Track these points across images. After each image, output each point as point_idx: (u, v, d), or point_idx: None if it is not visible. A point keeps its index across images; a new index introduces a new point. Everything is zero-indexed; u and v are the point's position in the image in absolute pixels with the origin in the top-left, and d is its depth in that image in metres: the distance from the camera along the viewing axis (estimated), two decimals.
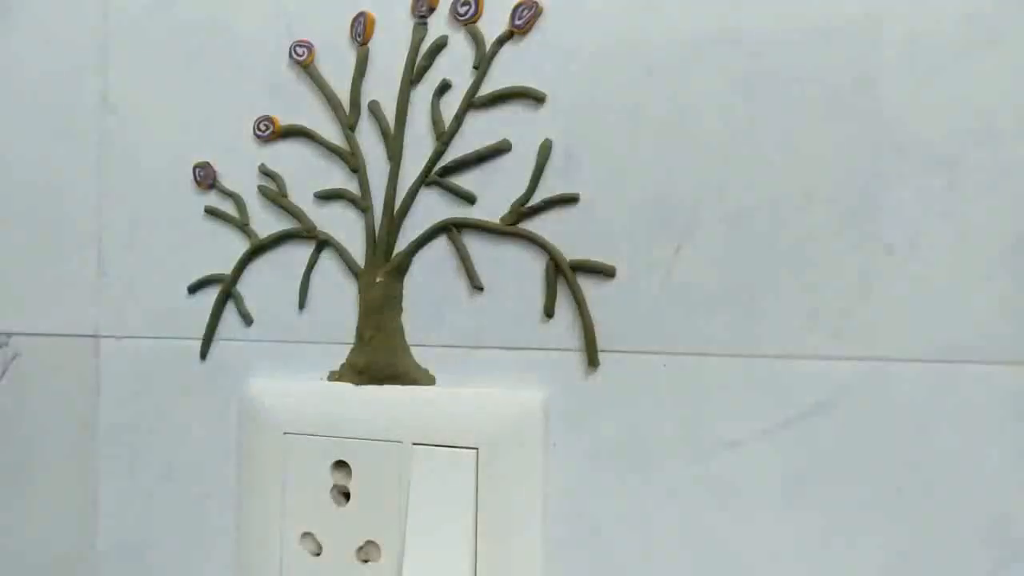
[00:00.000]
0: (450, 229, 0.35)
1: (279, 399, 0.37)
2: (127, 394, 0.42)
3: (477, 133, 0.35)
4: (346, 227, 0.37)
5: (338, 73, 0.37)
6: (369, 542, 0.35)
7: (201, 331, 0.40)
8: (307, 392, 0.37)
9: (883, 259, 0.29)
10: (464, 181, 0.35)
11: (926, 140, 0.29)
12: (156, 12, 0.42)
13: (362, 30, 0.37)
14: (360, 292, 0.37)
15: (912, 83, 0.29)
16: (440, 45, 0.35)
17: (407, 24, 0.36)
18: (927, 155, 0.29)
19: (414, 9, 0.36)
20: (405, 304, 0.36)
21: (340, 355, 0.37)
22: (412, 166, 0.36)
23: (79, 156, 0.43)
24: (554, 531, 0.33)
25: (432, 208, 0.36)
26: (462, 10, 0.35)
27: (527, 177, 0.34)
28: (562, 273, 0.33)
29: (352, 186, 0.37)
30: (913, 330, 0.29)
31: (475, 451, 0.33)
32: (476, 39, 0.35)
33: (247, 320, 0.39)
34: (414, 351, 0.36)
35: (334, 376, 0.37)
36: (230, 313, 0.40)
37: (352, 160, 0.37)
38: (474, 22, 0.35)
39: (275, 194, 0.39)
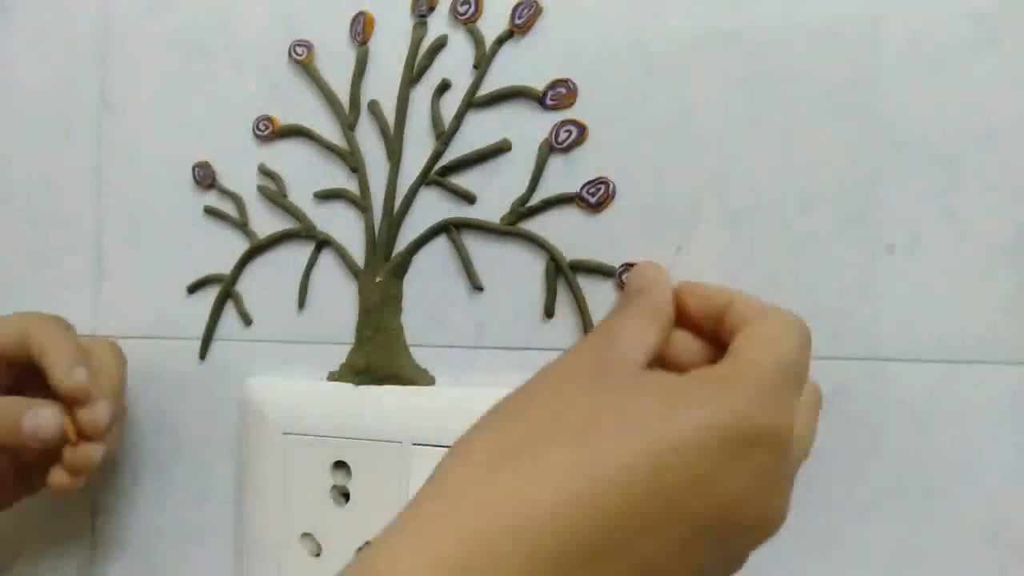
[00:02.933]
0: (450, 229, 0.35)
1: (279, 399, 0.37)
2: (126, 394, 0.42)
3: (477, 133, 0.35)
4: (346, 227, 0.37)
5: (338, 72, 0.37)
6: (369, 543, 0.35)
7: (200, 331, 0.40)
8: (307, 392, 0.37)
9: (883, 259, 0.29)
10: (464, 181, 0.35)
11: (926, 139, 0.29)
12: (155, 11, 0.42)
13: (362, 29, 0.37)
14: (360, 292, 0.37)
15: (912, 82, 0.29)
16: (440, 44, 0.35)
17: (407, 23, 0.36)
18: (927, 154, 0.29)
19: (414, 8, 0.36)
20: (405, 304, 0.36)
21: (340, 355, 0.37)
22: (412, 166, 0.36)
23: (78, 156, 0.43)
24: None
25: (432, 208, 0.35)
26: (462, 9, 0.35)
27: (527, 177, 0.34)
28: (562, 273, 0.33)
29: (352, 186, 0.37)
30: (913, 330, 0.29)
31: None
32: (476, 38, 0.35)
33: (246, 320, 0.39)
34: (414, 351, 0.36)
35: (334, 376, 0.37)
36: (229, 313, 0.40)
37: (352, 160, 0.37)
38: (474, 21, 0.35)
39: (274, 194, 0.39)
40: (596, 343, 0.25)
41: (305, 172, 0.38)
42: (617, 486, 0.20)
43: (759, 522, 0.22)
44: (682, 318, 0.27)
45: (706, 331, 0.27)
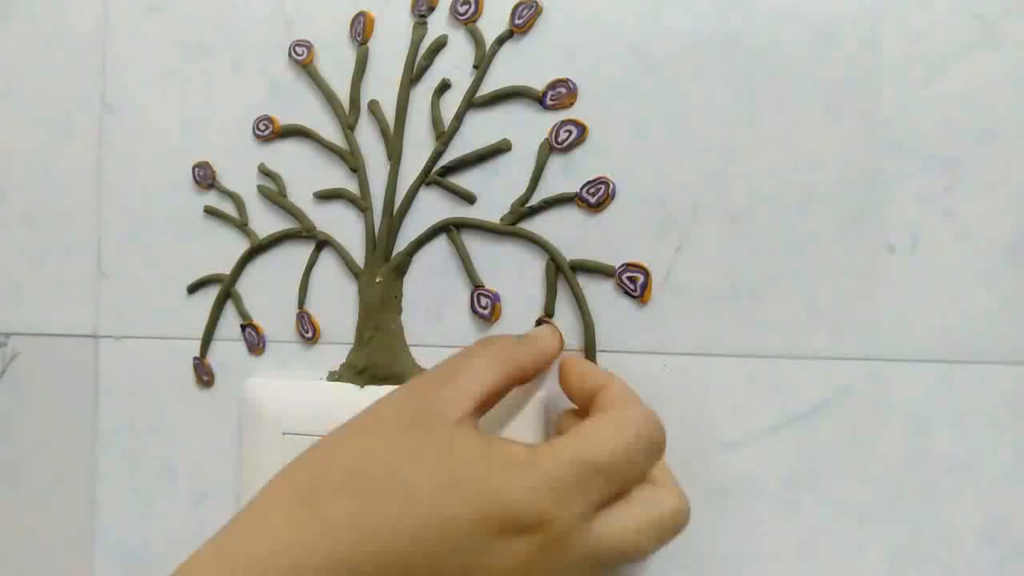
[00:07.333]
0: (450, 229, 0.35)
1: (279, 399, 0.37)
2: (127, 394, 0.42)
3: (477, 133, 0.35)
4: (346, 227, 0.37)
5: (338, 72, 0.37)
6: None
7: (200, 331, 0.40)
8: (307, 392, 0.37)
9: (883, 259, 0.29)
10: (464, 181, 0.35)
11: (926, 140, 0.29)
12: (155, 11, 0.42)
13: (362, 29, 0.37)
14: (360, 292, 0.37)
15: (912, 83, 0.29)
16: (440, 44, 0.35)
17: (407, 23, 0.36)
18: (927, 155, 0.29)
19: (414, 8, 0.36)
20: (405, 304, 0.36)
21: (340, 355, 0.37)
22: (412, 166, 0.36)
23: (79, 156, 0.43)
24: None
25: (432, 208, 0.35)
26: (462, 9, 0.35)
27: (527, 177, 0.34)
28: (562, 273, 0.33)
29: (352, 186, 0.37)
30: (913, 330, 0.29)
31: None
32: (476, 38, 0.35)
33: (247, 320, 0.39)
34: (414, 351, 0.36)
35: (334, 376, 0.37)
36: (229, 313, 0.40)
37: (352, 160, 0.37)
38: (474, 21, 0.35)
39: (274, 194, 0.39)
40: (421, 388, 0.26)
41: (305, 172, 0.38)
42: (387, 547, 0.22)
43: None
44: (566, 390, 0.29)
45: (581, 408, 0.29)
